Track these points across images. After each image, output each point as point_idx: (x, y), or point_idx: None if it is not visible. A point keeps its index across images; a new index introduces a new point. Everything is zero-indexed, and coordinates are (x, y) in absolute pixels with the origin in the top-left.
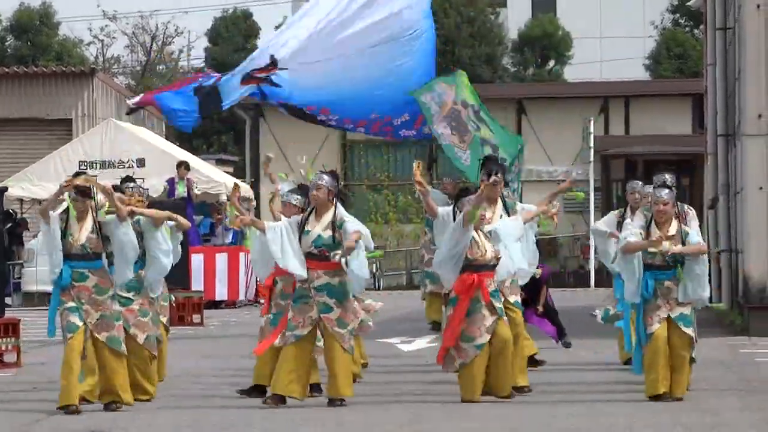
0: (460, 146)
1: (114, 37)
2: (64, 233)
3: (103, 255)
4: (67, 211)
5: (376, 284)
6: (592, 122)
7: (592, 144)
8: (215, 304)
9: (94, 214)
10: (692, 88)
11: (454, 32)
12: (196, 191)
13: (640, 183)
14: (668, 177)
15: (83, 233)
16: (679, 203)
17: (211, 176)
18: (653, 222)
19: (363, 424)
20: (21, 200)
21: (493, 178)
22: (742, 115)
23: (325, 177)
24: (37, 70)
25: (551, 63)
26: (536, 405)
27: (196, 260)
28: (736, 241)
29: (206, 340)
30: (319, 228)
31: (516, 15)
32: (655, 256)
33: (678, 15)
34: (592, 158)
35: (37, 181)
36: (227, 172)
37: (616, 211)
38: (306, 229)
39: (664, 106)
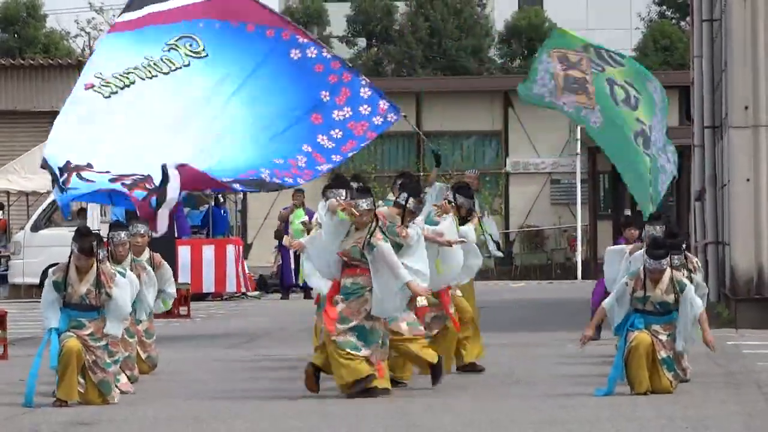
0: (588, 104)
1: (101, 30)
2: (65, 284)
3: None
4: (68, 263)
5: None
6: None
7: (578, 136)
8: (202, 296)
9: (98, 269)
10: (679, 80)
11: (440, 24)
12: None
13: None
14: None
15: (84, 285)
16: (684, 255)
17: None
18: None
19: (348, 417)
20: (8, 192)
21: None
22: (728, 106)
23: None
24: (24, 62)
25: None
26: (519, 397)
27: (183, 252)
28: (723, 233)
29: (193, 333)
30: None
31: (502, 7)
32: (645, 303)
33: (664, 7)
34: (579, 150)
35: (24, 173)
36: None
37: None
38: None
39: None
